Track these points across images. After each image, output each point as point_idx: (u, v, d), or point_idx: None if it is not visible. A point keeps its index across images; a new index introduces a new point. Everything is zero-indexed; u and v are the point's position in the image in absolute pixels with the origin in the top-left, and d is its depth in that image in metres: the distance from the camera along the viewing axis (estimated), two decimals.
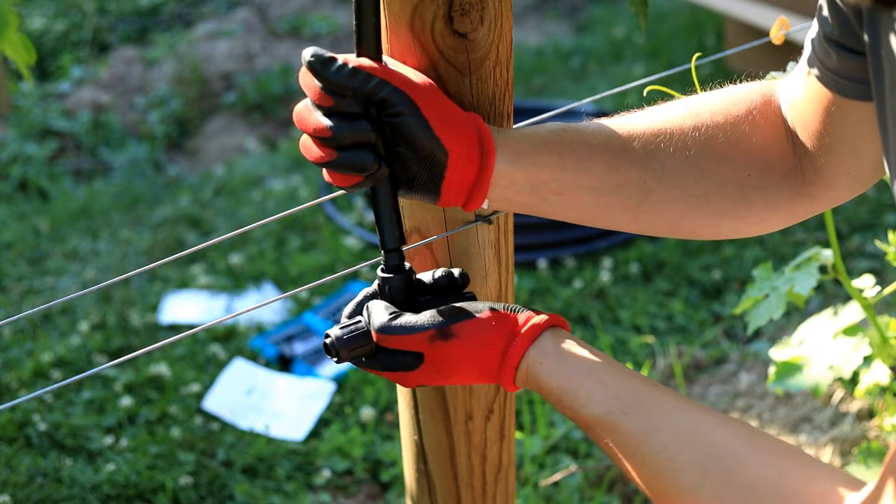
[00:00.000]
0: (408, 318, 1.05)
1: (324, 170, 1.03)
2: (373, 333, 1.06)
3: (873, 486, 0.83)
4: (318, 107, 0.99)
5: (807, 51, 1.06)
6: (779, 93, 1.12)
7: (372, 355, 1.08)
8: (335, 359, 1.08)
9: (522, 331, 1.04)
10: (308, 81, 0.99)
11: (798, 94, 1.08)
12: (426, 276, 1.11)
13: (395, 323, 1.05)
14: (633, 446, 0.96)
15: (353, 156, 0.99)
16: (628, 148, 1.07)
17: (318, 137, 0.99)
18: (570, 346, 1.03)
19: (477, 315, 1.05)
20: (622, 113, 1.12)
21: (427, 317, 1.05)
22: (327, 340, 1.08)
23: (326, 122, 0.98)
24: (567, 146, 1.06)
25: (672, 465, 0.93)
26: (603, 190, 1.07)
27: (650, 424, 0.95)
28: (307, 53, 0.97)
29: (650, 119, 1.10)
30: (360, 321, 1.09)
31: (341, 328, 1.08)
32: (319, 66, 0.96)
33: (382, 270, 1.09)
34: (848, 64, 1.00)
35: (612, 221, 1.12)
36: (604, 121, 1.10)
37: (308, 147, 1.01)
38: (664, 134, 1.08)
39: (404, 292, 1.09)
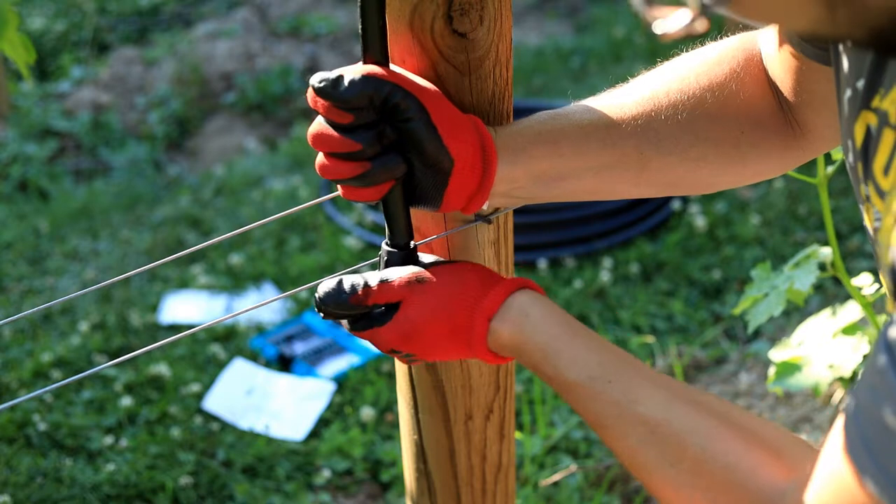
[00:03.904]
0: (390, 269, 1.06)
1: (340, 187, 1.03)
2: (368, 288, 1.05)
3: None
4: (338, 125, 0.99)
5: None
6: (760, 45, 1.12)
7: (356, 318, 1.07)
8: (321, 313, 1.07)
9: (502, 282, 1.03)
10: (322, 103, 0.99)
11: (773, 50, 1.09)
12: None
13: (380, 273, 1.05)
14: (614, 416, 0.95)
15: (385, 161, 1.00)
16: (621, 122, 1.08)
17: (347, 154, 0.99)
18: (552, 305, 1.02)
19: (457, 262, 1.05)
20: (608, 90, 1.13)
21: (408, 267, 1.06)
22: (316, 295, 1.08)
23: (353, 137, 0.98)
24: (560, 133, 1.06)
25: (652, 440, 0.93)
26: (602, 167, 1.08)
27: (631, 396, 0.94)
28: (315, 80, 0.97)
29: (637, 91, 1.11)
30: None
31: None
32: (331, 89, 0.97)
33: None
34: None
35: (613, 192, 1.13)
36: (592, 101, 1.11)
37: (328, 167, 1.01)
38: (653, 102, 1.09)
39: None
